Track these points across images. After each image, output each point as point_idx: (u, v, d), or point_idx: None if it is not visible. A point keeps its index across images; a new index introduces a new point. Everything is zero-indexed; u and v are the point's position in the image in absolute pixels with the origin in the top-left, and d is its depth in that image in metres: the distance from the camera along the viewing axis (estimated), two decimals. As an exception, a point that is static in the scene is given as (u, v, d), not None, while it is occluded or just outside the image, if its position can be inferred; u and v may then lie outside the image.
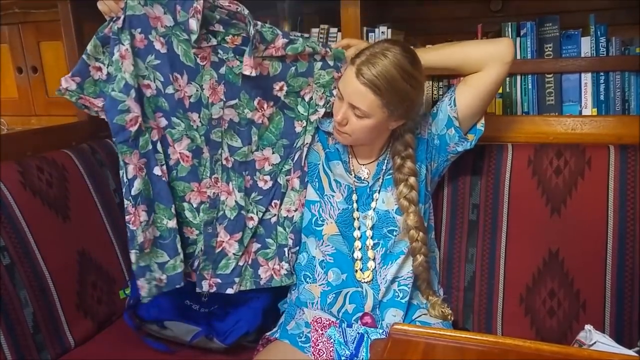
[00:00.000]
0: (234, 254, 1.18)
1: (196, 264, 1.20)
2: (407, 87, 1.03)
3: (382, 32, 1.41)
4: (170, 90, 1.11)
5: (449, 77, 1.40)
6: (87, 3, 1.56)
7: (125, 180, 1.08)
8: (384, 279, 1.13)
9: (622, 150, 1.18)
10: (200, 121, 1.15)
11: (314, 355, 1.08)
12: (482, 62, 1.08)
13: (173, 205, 1.14)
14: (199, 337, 1.23)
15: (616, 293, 1.16)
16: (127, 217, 1.08)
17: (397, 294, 1.14)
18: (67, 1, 1.53)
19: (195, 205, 1.18)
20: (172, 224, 1.14)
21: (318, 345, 1.09)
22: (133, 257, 1.10)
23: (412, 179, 1.12)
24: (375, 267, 1.13)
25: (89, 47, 1.07)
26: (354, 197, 1.16)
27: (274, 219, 1.21)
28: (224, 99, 1.15)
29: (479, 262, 1.26)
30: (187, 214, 1.18)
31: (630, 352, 0.95)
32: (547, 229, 1.21)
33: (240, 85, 1.15)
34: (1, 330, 1.11)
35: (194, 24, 1.05)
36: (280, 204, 1.21)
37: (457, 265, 1.29)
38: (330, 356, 1.07)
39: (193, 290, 1.34)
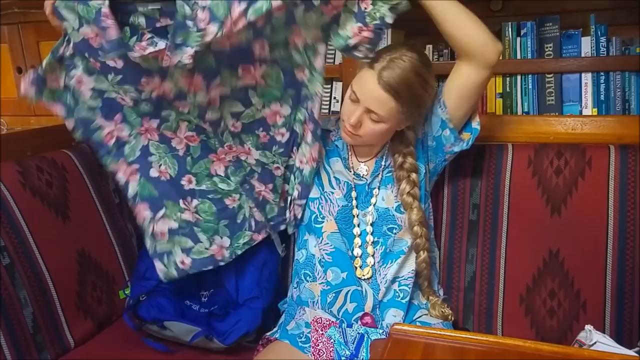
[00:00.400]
0: (272, 200, 1.23)
1: (249, 216, 1.23)
2: (424, 93, 1.04)
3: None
4: (146, 95, 1.10)
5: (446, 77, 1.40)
6: (87, 3, 1.57)
7: (121, 184, 1.13)
8: (384, 278, 1.13)
9: (623, 150, 1.18)
10: (190, 108, 1.14)
11: (314, 355, 1.08)
12: (472, 44, 1.02)
13: (182, 200, 1.17)
14: (199, 337, 1.23)
15: (616, 293, 1.15)
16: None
17: (397, 294, 1.14)
18: (67, 1, 1.53)
19: (223, 174, 1.21)
20: (186, 215, 1.17)
21: (318, 345, 1.09)
22: (147, 244, 1.16)
23: (413, 175, 1.12)
24: (374, 263, 1.13)
25: (45, 65, 1.06)
26: (353, 194, 1.16)
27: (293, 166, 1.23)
28: (206, 84, 1.10)
29: (479, 262, 1.26)
30: (221, 185, 1.21)
31: (630, 352, 0.95)
32: (548, 229, 1.21)
33: (215, 63, 1.07)
34: (1, 330, 1.11)
35: (112, 32, 0.96)
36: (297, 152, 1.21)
37: (457, 265, 1.29)
38: (330, 356, 1.07)
39: (193, 291, 1.35)
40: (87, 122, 1.09)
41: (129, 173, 1.11)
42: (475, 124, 1.15)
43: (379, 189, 1.16)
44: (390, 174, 1.15)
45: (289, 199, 1.22)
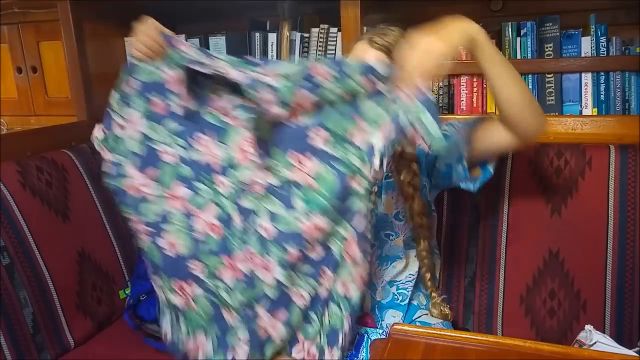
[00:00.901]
0: (281, 340, 0.96)
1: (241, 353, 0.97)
2: None
3: (382, 32, 1.41)
4: (194, 155, 0.96)
5: (449, 77, 1.40)
6: (87, 3, 1.57)
7: (132, 228, 1.01)
8: (379, 279, 1.13)
9: (623, 150, 1.18)
10: (230, 186, 0.96)
11: (314, 355, 1.08)
12: (521, 118, 0.94)
13: (176, 279, 0.98)
14: (199, 337, 1.23)
15: (616, 293, 1.15)
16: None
17: (396, 296, 1.14)
18: (67, 1, 1.53)
19: (230, 284, 0.96)
20: (177, 300, 0.98)
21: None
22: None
23: (414, 165, 1.12)
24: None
25: (113, 102, 0.99)
26: None
27: (324, 293, 0.96)
28: (256, 160, 0.95)
29: (479, 262, 1.26)
30: (223, 294, 0.96)
31: (630, 352, 0.95)
32: (548, 229, 1.21)
33: (270, 137, 0.95)
34: (1, 330, 1.11)
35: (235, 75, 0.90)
36: (335, 275, 0.95)
37: (457, 265, 1.28)
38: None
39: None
40: (118, 165, 0.97)
41: (142, 231, 0.98)
42: (491, 166, 1.08)
43: (380, 195, 1.15)
44: (392, 179, 1.15)
45: (340, 335, 0.96)
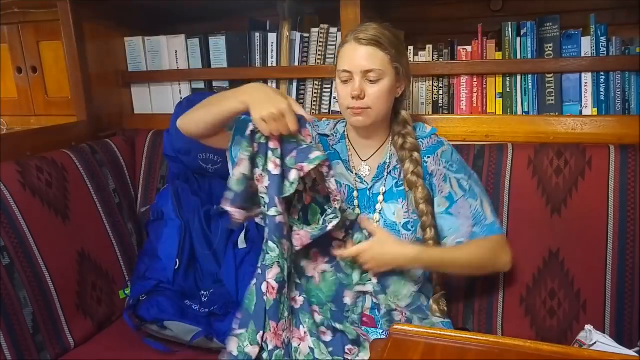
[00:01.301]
0: None
1: None
2: (400, 42, 1.11)
3: (382, 32, 1.41)
4: (272, 212, 1.00)
5: (449, 77, 1.40)
6: (87, 3, 1.57)
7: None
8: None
9: (623, 150, 1.18)
10: (288, 252, 1.04)
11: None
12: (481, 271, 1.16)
13: (262, 332, 1.00)
14: (199, 337, 1.23)
15: (616, 293, 1.15)
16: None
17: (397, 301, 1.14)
18: (67, 1, 1.53)
19: (269, 348, 1.00)
20: (250, 350, 0.99)
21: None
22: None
23: (416, 154, 1.13)
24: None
25: (245, 171, 1.01)
26: (355, 194, 1.15)
27: None
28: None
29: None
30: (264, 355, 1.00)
31: (630, 352, 0.95)
32: (548, 229, 1.21)
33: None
34: (1, 330, 1.11)
35: (294, 175, 0.99)
36: None
37: (457, 265, 1.28)
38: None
39: (193, 291, 1.35)
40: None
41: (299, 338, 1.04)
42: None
43: (384, 196, 1.14)
44: (402, 187, 1.14)
45: None
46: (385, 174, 1.15)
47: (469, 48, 1.37)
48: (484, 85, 1.38)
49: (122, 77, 1.74)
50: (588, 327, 1.04)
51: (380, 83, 1.07)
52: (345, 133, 1.21)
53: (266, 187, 1.00)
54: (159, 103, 1.74)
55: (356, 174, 1.17)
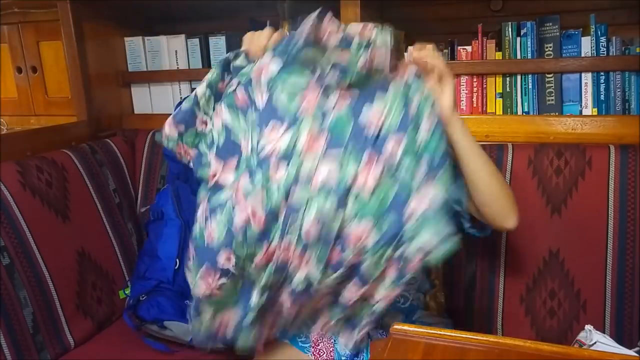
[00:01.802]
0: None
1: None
2: (399, 44, 1.06)
3: (382, 32, 1.41)
4: (262, 146, 0.89)
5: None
6: (87, 3, 1.57)
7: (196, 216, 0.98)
8: None
9: (623, 150, 1.18)
10: (285, 176, 0.87)
11: (314, 355, 1.08)
12: (491, 206, 0.94)
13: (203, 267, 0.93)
14: (199, 337, 1.23)
15: (616, 293, 1.16)
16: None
17: (398, 299, 1.14)
18: (67, 1, 1.53)
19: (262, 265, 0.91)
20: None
21: (318, 345, 1.09)
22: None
23: None
24: None
25: (201, 100, 0.95)
26: None
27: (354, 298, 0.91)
28: (324, 149, 0.86)
29: (479, 262, 1.26)
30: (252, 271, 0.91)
31: (631, 352, 0.95)
32: (548, 229, 1.21)
33: (350, 131, 0.86)
34: (1, 330, 1.11)
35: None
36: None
37: (457, 265, 1.28)
38: (331, 356, 1.07)
39: (193, 290, 1.35)
40: (201, 155, 0.97)
41: (199, 215, 0.96)
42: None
43: None
44: None
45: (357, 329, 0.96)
46: None
47: (469, 48, 1.37)
48: (484, 85, 1.38)
49: (122, 77, 1.74)
50: (588, 327, 1.04)
51: None
52: None
53: (252, 120, 0.91)
54: (159, 103, 1.74)
55: None
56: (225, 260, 0.92)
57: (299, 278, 0.89)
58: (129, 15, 1.72)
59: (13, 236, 1.19)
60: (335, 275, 0.88)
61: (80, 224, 1.37)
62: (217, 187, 0.95)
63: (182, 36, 1.65)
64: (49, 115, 1.83)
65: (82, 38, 1.58)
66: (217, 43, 1.60)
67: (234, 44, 1.59)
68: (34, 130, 1.65)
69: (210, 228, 0.93)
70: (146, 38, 1.69)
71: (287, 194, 0.86)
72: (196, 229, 0.96)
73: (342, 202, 0.85)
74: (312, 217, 0.85)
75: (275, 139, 0.88)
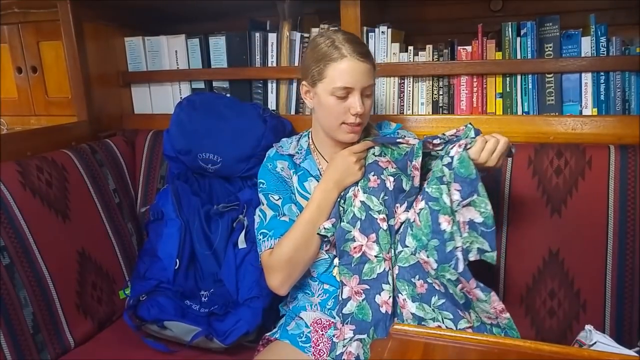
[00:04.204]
0: None
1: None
2: None
3: (382, 32, 1.42)
4: (392, 222, 1.09)
5: (449, 77, 1.40)
6: (87, 3, 1.57)
7: (340, 298, 1.08)
8: None
9: (623, 150, 1.18)
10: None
11: (314, 355, 1.08)
12: None
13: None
14: (199, 337, 1.23)
15: (616, 293, 1.16)
16: (334, 331, 1.08)
17: None
18: (67, 1, 1.53)
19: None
20: None
21: (318, 345, 1.09)
22: None
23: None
24: None
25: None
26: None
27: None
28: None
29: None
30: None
31: (630, 352, 0.95)
32: (548, 229, 1.21)
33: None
34: (1, 330, 1.11)
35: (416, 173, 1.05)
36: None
37: (457, 265, 1.28)
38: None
39: (193, 290, 1.35)
40: (344, 231, 1.08)
41: (355, 292, 1.06)
42: None
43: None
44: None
45: None
46: None
47: (469, 48, 1.37)
48: (484, 85, 1.38)
49: (122, 77, 1.74)
50: (588, 327, 1.04)
51: (371, 97, 1.10)
52: (311, 146, 1.22)
53: (384, 200, 1.10)
54: (159, 103, 1.74)
55: None
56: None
57: (408, 318, 1.05)
58: (129, 15, 1.72)
59: (13, 236, 1.19)
60: (436, 303, 1.03)
61: (80, 224, 1.37)
62: (364, 259, 1.07)
63: (182, 36, 1.65)
64: (49, 115, 1.83)
65: (82, 38, 1.58)
66: (217, 43, 1.60)
67: (234, 44, 1.59)
68: (34, 130, 1.65)
69: (387, 300, 1.05)
70: (146, 38, 1.70)
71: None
72: (356, 305, 1.06)
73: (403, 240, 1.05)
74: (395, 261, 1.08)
75: (399, 212, 1.08)
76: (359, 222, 1.07)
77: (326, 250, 1.14)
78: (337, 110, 1.08)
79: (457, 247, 0.97)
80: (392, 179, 1.10)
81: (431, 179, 1.01)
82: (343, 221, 1.09)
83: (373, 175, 1.10)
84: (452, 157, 0.98)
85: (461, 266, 0.95)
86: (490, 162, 0.96)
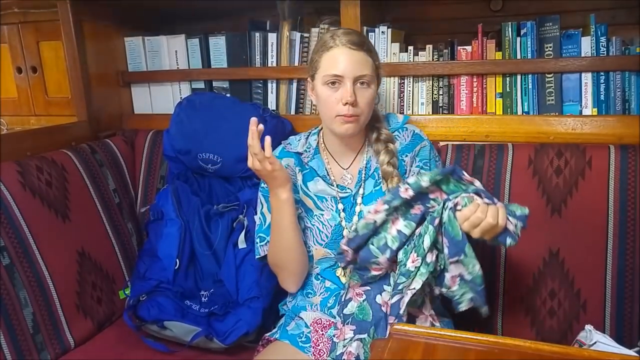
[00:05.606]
0: None
1: None
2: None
3: (382, 32, 1.42)
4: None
5: (449, 77, 1.40)
6: (87, 3, 1.57)
7: (342, 299, 1.09)
8: None
9: (623, 150, 1.18)
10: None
11: (314, 355, 1.08)
12: None
13: None
14: (199, 337, 1.23)
15: (616, 293, 1.16)
16: (334, 331, 1.07)
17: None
18: (67, 1, 1.53)
19: None
20: None
21: (318, 345, 1.09)
22: None
23: (390, 145, 1.14)
24: None
25: (378, 219, 1.02)
26: (340, 206, 1.16)
27: None
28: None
29: (479, 262, 1.26)
30: None
31: (630, 352, 0.95)
32: (548, 229, 1.21)
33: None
34: (1, 330, 1.11)
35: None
36: None
37: (457, 265, 1.28)
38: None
39: (193, 291, 1.35)
40: (372, 255, 1.03)
41: (356, 293, 1.07)
42: None
43: (363, 199, 1.14)
44: (380, 186, 1.14)
45: None
46: (363, 177, 1.16)
47: (469, 48, 1.37)
48: (484, 85, 1.38)
49: (122, 77, 1.74)
50: (588, 327, 1.04)
51: (368, 89, 1.08)
52: (320, 145, 1.21)
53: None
54: (159, 103, 1.74)
55: (337, 185, 1.17)
56: None
57: None
58: (129, 15, 1.72)
59: (13, 236, 1.19)
60: None
61: (80, 224, 1.37)
62: (383, 276, 1.06)
63: (182, 36, 1.65)
64: (49, 115, 1.83)
65: (82, 38, 1.58)
66: (217, 43, 1.60)
67: (234, 44, 1.59)
68: (34, 130, 1.65)
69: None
70: (146, 38, 1.70)
71: None
72: (356, 305, 1.06)
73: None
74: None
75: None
76: (388, 251, 1.02)
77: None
78: (331, 101, 1.07)
79: (408, 287, 0.96)
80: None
81: (430, 217, 0.98)
82: (372, 244, 1.03)
83: (418, 204, 1.02)
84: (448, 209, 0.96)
85: (402, 308, 0.96)
86: (473, 234, 0.92)
